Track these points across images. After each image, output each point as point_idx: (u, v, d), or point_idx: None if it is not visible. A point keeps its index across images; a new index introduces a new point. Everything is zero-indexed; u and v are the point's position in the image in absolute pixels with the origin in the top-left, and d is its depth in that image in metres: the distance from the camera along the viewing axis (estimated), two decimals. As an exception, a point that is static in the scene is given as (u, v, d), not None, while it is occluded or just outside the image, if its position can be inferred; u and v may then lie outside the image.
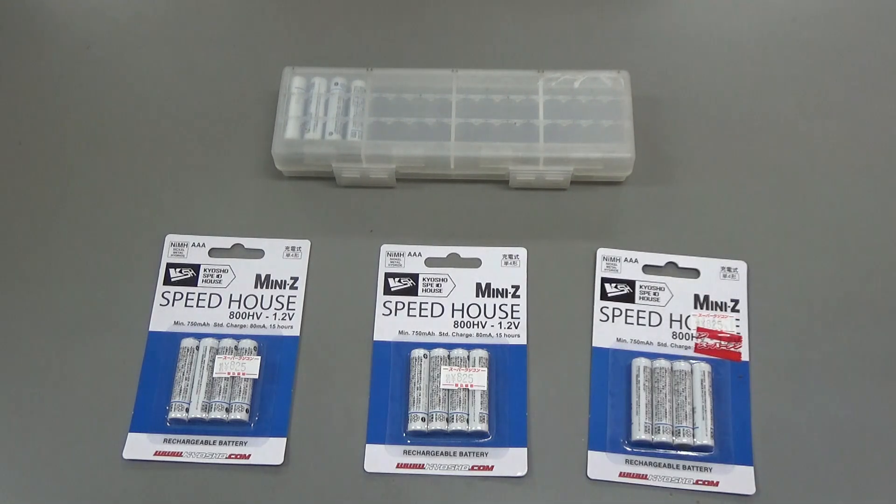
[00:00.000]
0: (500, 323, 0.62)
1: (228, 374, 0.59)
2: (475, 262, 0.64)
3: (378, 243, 0.64)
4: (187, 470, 0.58)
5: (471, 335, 0.61)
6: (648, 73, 0.70)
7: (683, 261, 0.63)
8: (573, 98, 0.66)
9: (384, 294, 0.63)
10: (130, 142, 0.68)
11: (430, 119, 0.65)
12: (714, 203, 0.66)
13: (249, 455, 0.58)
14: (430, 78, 0.67)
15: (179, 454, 0.58)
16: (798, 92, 0.70)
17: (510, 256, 0.64)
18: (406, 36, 0.73)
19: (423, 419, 0.58)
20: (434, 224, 0.65)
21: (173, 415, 0.59)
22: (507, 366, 0.60)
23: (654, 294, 0.62)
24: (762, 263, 0.63)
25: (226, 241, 0.64)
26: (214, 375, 0.59)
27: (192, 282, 0.63)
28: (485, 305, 0.62)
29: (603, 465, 0.58)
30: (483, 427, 0.58)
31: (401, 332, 0.61)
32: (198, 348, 0.60)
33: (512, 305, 0.62)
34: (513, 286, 0.63)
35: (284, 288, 0.63)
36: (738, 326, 0.61)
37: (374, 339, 0.61)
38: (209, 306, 0.62)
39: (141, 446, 0.58)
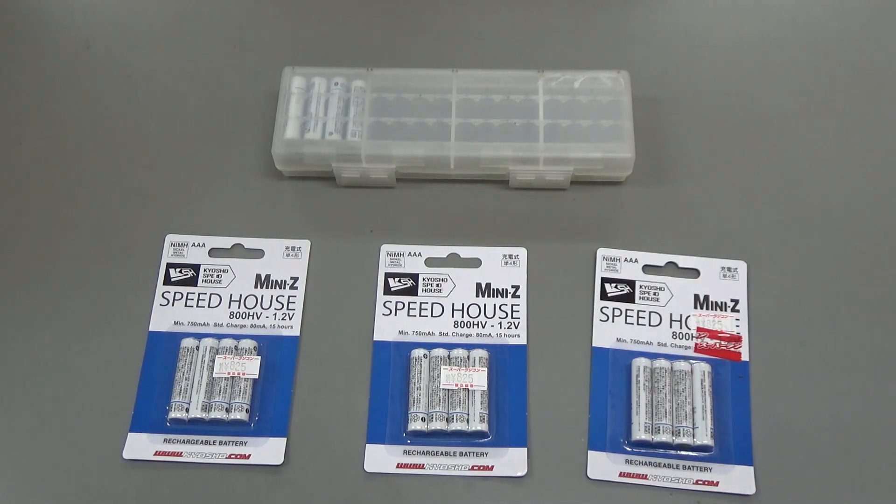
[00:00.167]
0: (500, 323, 0.62)
1: (228, 374, 0.59)
2: (475, 262, 0.64)
3: (378, 243, 0.64)
4: (187, 470, 0.58)
5: (471, 335, 0.61)
6: (648, 73, 0.70)
7: (683, 261, 0.63)
8: (573, 98, 0.66)
9: (384, 294, 0.63)
10: (130, 142, 0.68)
11: (430, 119, 0.65)
12: (714, 203, 0.66)
13: (249, 455, 0.58)
14: (430, 78, 0.67)
15: (179, 454, 0.58)
16: (798, 92, 0.70)
17: (510, 256, 0.64)
18: (406, 36, 0.73)
19: (423, 419, 0.58)
20: (434, 224, 0.65)
21: (173, 415, 0.59)
22: (507, 366, 0.60)
23: (654, 294, 0.62)
24: (762, 263, 0.63)
25: (226, 241, 0.64)
26: (214, 375, 0.59)
27: (192, 282, 0.63)
28: (485, 305, 0.62)
29: (603, 465, 0.58)
30: (483, 427, 0.58)
31: (401, 332, 0.61)
32: (198, 348, 0.60)
33: (512, 305, 0.62)
34: (513, 286, 0.63)
35: (284, 288, 0.63)
36: (738, 326, 0.61)
37: (374, 339, 0.61)
38: (209, 306, 0.62)
39: (141, 446, 0.58)
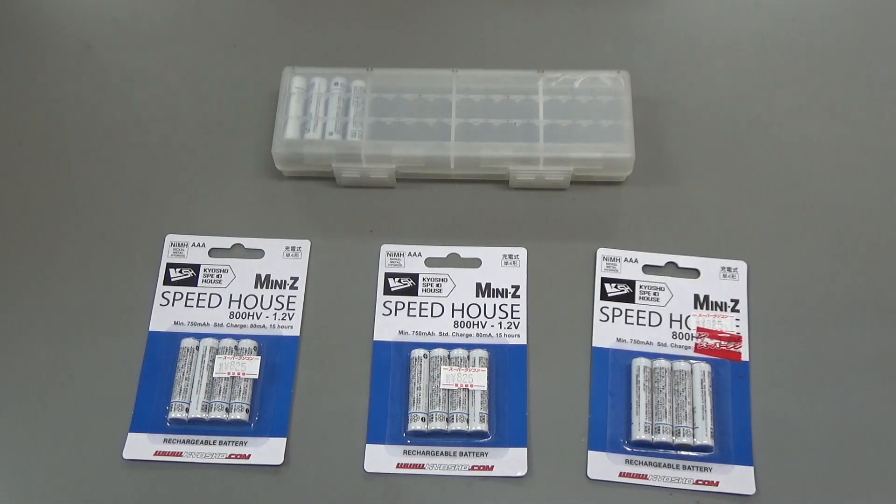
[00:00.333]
0: (500, 323, 0.62)
1: (228, 374, 0.59)
2: (475, 262, 0.64)
3: (378, 243, 0.64)
4: (187, 470, 0.58)
5: (471, 335, 0.61)
6: (648, 73, 0.70)
7: (683, 261, 0.63)
8: (573, 98, 0.66)
9: (384, 294, 0.63)
10: (130, 142, 0.68)
11: (430, 119, 0.65)
12: (714, 203, 0.66)
13: (249, 455, 0.58)
14: (430, 78, 0.67)
15: (179, 454, 0.58)
16: (798, 92, 0.70)
17: (510, 256, 0.64)
18: (406, 36, 0.73)
19: (423, 419, 0.58)
20: (434, 224, 0.65)
21: (173, 415, 0.59)
22: (507, 366, 0.60)
23: (654, 294, 0.62)
24: (762, 263, 0.63)
25: (226, 241, 0.64)
26: (214, 375, 0.59)
27: (192, 282, 0.63)
28: (485, 305, 0.62)
29: (603, 465, 0.58)
30: (483, 427, 0.58)
31: (401, 332, 0.61)
32: (198, 348, 0.60)
33: (512, 305, 0.62)
34: (513, 286, 0.63)
35: (284, 288, 0.63)
36: (738, 326, 0.61)
37: (374, 339, 0.61)
38: (209, 306, 0.62)
39: (141, 446, 0.58)
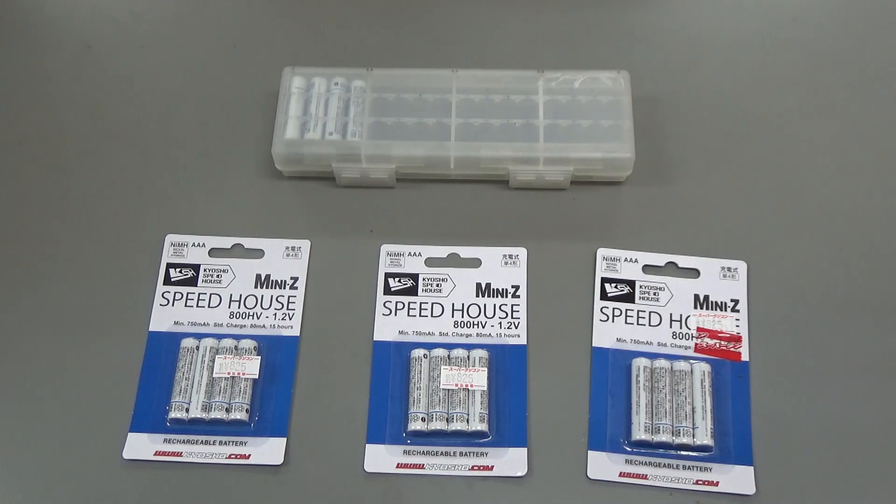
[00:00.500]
0: (500, 323, 0.62)
1: (228, 374, 0.59)
2: (475, 262, 0.64)
3: (378, 243, 0.64)
4: (187, 470, 0.58)
5: (471, 335, 0.61)
6: (648, 73, 0.70)
7: (683, 261, 0.63)
8: (573, 98, 0.66)
9: (384, 294, 0.63)
10: (130, 142, 0.68)
11: (430, 119, 0.65)
12: (714, 203, 0.66)
13: (249, 455, 0.58)
14: (430, 78, 0.67)
15: (179, 454, 0.58)
16: (798, 92, 0.70)
17: (510, 256, 0.64)
18: (406, 36, 0.73)
19: (423, 419, 0.58)
20: (434, 224, 0.65)
21: (173, 415, 0.59)
22: (507, 366, 0.60)
23: (654, 294, 0.62)
24: (762, 263, 0.63)
25: (226, 241, 0.64)
26: (214, 375, 0.59)
27: (192, 282, 0.63)
28: (485, 305, 0.62)
29: (603, 465, 0.58)
30: (483, 427, 0.58)
31: (401, 332, 0.61)
32: (198, 348, 0.60)
33: (512, 305, 0.62)
34: (513, 286, 0.63)
35: (284, 288, 0.63)
36: (738, 326, 0.61)
37: (374, 339, 0.61)
38: (209, 306, 0.62)
39: (141, 446, 0.58)
